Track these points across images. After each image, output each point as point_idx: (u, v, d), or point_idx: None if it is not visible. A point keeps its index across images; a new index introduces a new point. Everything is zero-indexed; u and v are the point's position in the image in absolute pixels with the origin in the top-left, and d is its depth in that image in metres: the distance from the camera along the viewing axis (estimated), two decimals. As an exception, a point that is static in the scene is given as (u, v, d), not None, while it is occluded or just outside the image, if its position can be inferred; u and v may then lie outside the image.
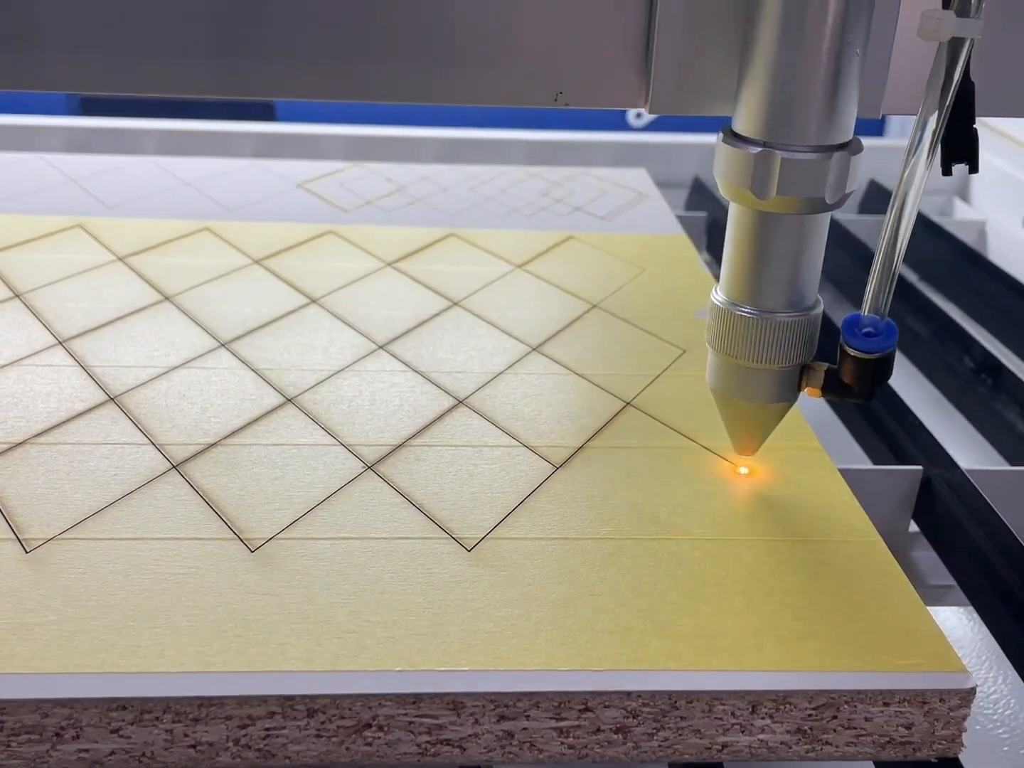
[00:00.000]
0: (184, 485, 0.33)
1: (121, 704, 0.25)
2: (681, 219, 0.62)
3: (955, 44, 0.27)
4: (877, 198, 0.79)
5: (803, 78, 0.27)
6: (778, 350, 0.31)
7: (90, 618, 0.27)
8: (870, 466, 0.45)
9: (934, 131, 0.27)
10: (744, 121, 0.29)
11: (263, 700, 0.25)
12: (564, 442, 0.37)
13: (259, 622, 0.27)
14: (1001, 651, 0.37)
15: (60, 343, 0.41)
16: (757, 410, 0.33)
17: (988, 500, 0.39)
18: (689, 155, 0.79)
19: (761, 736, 0.27)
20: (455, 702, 0.26)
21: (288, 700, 0.25)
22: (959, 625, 0.40)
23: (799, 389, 0.32)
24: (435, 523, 0.32)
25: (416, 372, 0.41)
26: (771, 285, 0.31)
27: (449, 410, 0.38)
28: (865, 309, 0.30)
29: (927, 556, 0.43)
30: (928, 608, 0.29)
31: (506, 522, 0.32)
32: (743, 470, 0.35)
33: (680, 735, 0.26)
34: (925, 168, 0.27)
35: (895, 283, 0.29)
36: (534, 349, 0.43)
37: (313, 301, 0.47)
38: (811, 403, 0.52)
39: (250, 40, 0.30)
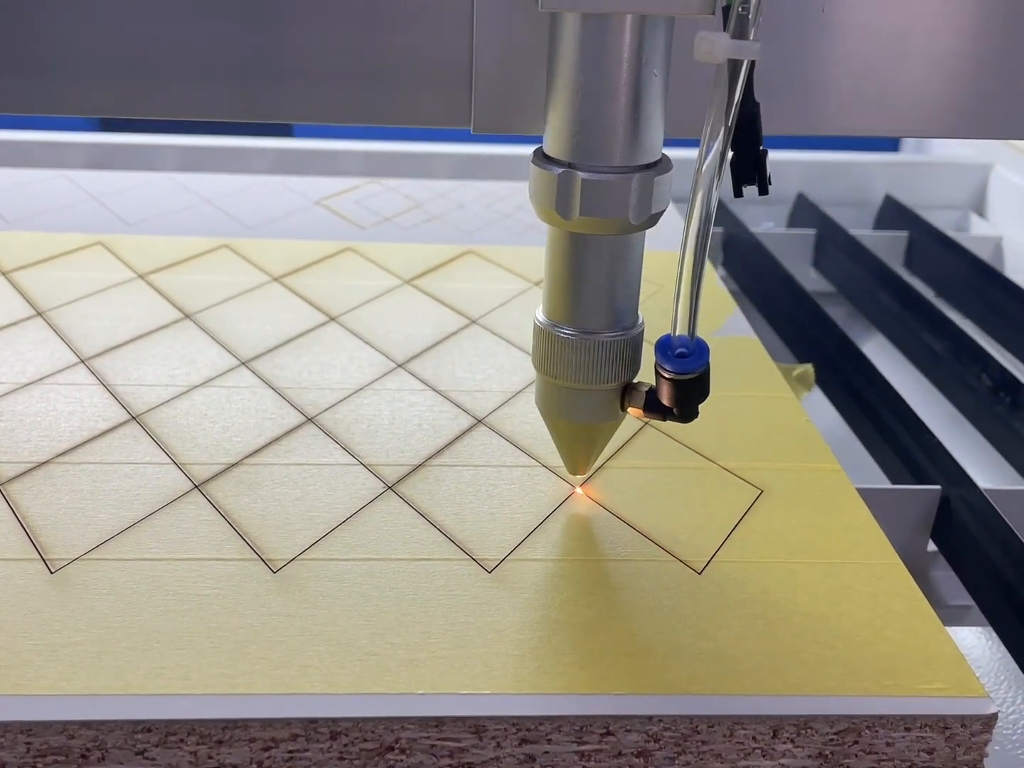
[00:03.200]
0: (206, 505, 0.33)
1: (146, 726, 0.25)
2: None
3: (734, 66, 0.26)
4: (892, 213, 0.79)
5: (601, 100, 0.27)
6: (599, 371, 0.31)
7: (115, 639, 0.27)
8: (888, 485, 0.45)
9: (719, 153, 0.27)
10: (550, 142, 0.28)
11: (287, 723, 0.25)
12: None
13: (282, 644, 0.28)
14: (1020, 671, 0.37)
15: (82, 361, 0.42)
16: (584, 430, 0.33)
17: (1007, 520, 0.39)
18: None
19: (783, 760, 0.27)
20: (477, 726, 0.26)
21: (311, 723, 0.26)
22: (977, 645, 0.40)
23: (623, 409, 0.32)
24: (456, 544, 0.32)
25: (435, 391, 0.41)
26: (588, 306, 0.30)
27: (468, 430, 0.39)
28: (675, 331, 0.29)
29: (945, 576, 0.43)
30: (946, 628, 0.30)
31: (526, 543, 0.32)
32: (578, 490, 0.35)
33: (701, 759, 0.26)
34: (711, 191, 0.27)
35: (700, 303, 0.29)
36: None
37: (332, 319, 0.47)
38: (828, 420, 0.52)
39: (270, 65, 0.30)
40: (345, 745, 0.26)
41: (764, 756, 0.27)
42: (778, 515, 0.34)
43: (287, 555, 0.31)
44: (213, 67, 0.30)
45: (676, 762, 0.26)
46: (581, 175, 0.27)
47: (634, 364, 0.32)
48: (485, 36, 0.29)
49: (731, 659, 0.28)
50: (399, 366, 0.43)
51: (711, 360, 0.30)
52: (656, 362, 0.30)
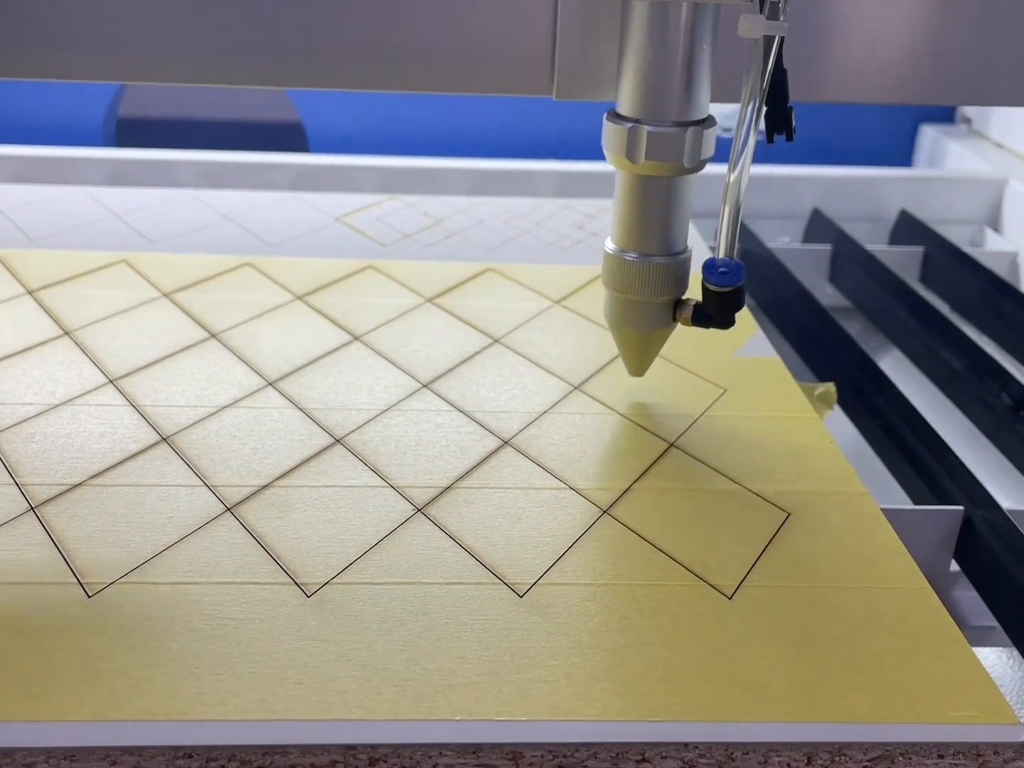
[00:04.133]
0: (239, 528, 0.34)
1: (187, 752, 0.26)
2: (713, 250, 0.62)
3: (768, 40, 0.34)
4: (908, 229, 0.79)
5: (663, 70, 0.35)
6: (655, 287, 0.39)
7: (153, 665, 0.28)
8: (911, 506, 0.45)
9: (756, 108, 0.35)
10: (621, 103, 0.37)
11: (325, 749, 0.26)
12: (610, 484, 0.37)
13: (319, 669, 0.28)
14: (1046, 693, 0.37)
15: (111, 382, 0.42)
16: (643, 337, 0.41)
17: (1031, 541, 0.39)
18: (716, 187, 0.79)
19: (816, 787, 0.27)
20: (515, 752, 0.26)
21: (350, 749, 0.26)
22: (999, 664, 0.40)
23: (674, 319, 0.40)
24: (487, 568, 0.32)
25: (460, 412, 0.42)
26: (648, 234, 0.39)
27: (495, 451, 0.39)
28: (719, 254, 0.38)
29: (969, 596, 0.43)
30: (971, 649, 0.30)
31: (556, 567, 0.33)
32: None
33: (736, 785, 0.27)
34: (749, 139, 0.35)
35: (738, 231, 0.38)
36: (576, 388, 0.44)
37: (356, 338, 0.47)
38: (848, 438, 0.52)
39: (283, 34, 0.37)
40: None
41: (798, 783, 0.27)
42: (806, 539, 0.35)
43: (320, 579, 0.31)
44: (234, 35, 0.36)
45: (711, 788, 0.27)
46: (647, 128, 0.36)
47: (683, 283, 0.40)
48: (567, 18, 0.38)
49: (764, 685, 0.28)
50: (424, 386, 0.43)
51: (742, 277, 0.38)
52: (703, 278, 0.38)
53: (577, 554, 0.33)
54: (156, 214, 0.62)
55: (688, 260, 0.40)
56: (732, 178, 0.36)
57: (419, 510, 0.35)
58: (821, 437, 0.41)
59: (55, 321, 0.47)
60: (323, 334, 0.48)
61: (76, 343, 0.45)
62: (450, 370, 0.45)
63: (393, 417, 0.41)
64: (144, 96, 0.91)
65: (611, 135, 0.37)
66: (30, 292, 0.50)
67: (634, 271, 0.39)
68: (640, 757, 0.26)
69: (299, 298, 0.51)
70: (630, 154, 0.36)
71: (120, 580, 0.31)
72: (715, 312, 0.39)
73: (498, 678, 0.28)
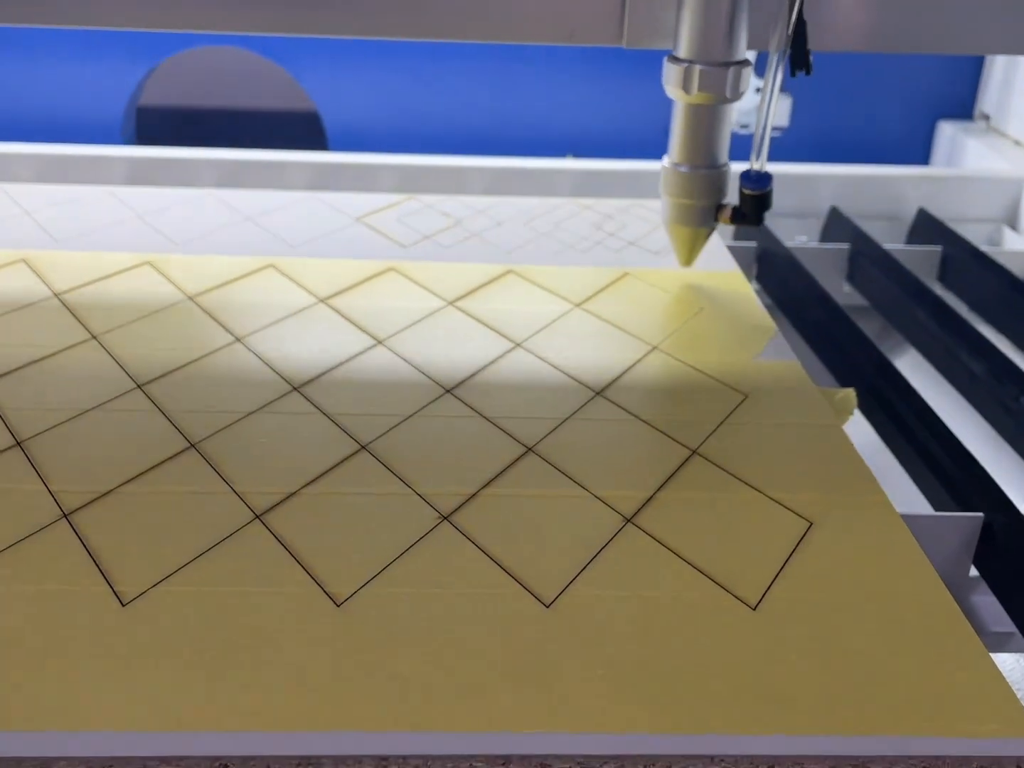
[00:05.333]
0: (268, 536, 0.34)
1: (224, 763, 0.26)
2: (730, 248, 0.63)
3: None
4: (925, 227, 0.79)
5: (712, 20, 0.47)
6: (702, 192, 0.52)
7: (188, 674, 0.28)
8: (931, 512, 0.45)
9: (782, 51, 0.48)
10: (679, 48, 0.48)
11: (358, 760, 0.26)
12: (634, 492, 0.37)
13: (350, 679, 0.28)
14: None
15: (139, 387, 0.43)
16: (691, 233, 0.54)
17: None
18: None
19: (841, 799, 0.27)
20: (543, 764, 0.26)
21: (383, 760, 0.26)
22: (1017, 668, 0.41)
23: (716, 219, 0.53)
24: (513, 578, 0.33)
25: (484, 418, 0.42)
26: (697, 150, 0.51)
27: (519, 458, 0.39)
28: (752, 165, 0.51)
29: (988, 601, 0.43)
30: (989, 655, 0.30)
31: (582, 577, 0.33)
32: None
33: (763, 796, 0.27)
34: (780, 73, 0.48)
35: (767, 147, 0.51)
36: (598, 394, 0.44)
37: (379, 342, 0.48)
38: (871, 446, 0.52)
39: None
40: (415, 781, 0.26)
41: (823, 794, 0.27)
42: (827, 549, 0.35)
43: (349, 588, 0.32)
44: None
45: (737, 800, 0.27)
46: (699, 67, 0.48)
47: (724, 189, 0.53)
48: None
49: (789, 698, 0.28)
50: (447, 391, 0.44)
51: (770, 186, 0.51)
52: (740, 184, 0.52)
53: (602, 563, 0.34)
54: (178, 214, 0.62)
55: (727, 171, 0.52)
56: (763, 107, 0.49)
57: (445, 518, 0.35)
58: (842, 445, 0.41)
59: (82, 324, 0.48)
60: (346, 337, 0.48)
61: (103, 346, 0.46)
62: (473, 375, 0.45)
63: (418, 422, 0.41)
64: (163, 87, 0.92)
65: (670, 73, 0.49)
66: (56, 295, 0.50)
67: (685, 179, 0.52)
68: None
69: (322, 300, 0.52)
70: (685, 87, 0.48)
71: (152, 589, 0.31)
72: (749, 212, 0.52)
73: (527, 689, 0.28)
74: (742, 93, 0.49)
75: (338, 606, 0.31)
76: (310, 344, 0.47)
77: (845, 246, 0.75)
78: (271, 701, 0.28)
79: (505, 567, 0.33)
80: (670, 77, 0.49)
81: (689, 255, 0.56)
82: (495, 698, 0.28)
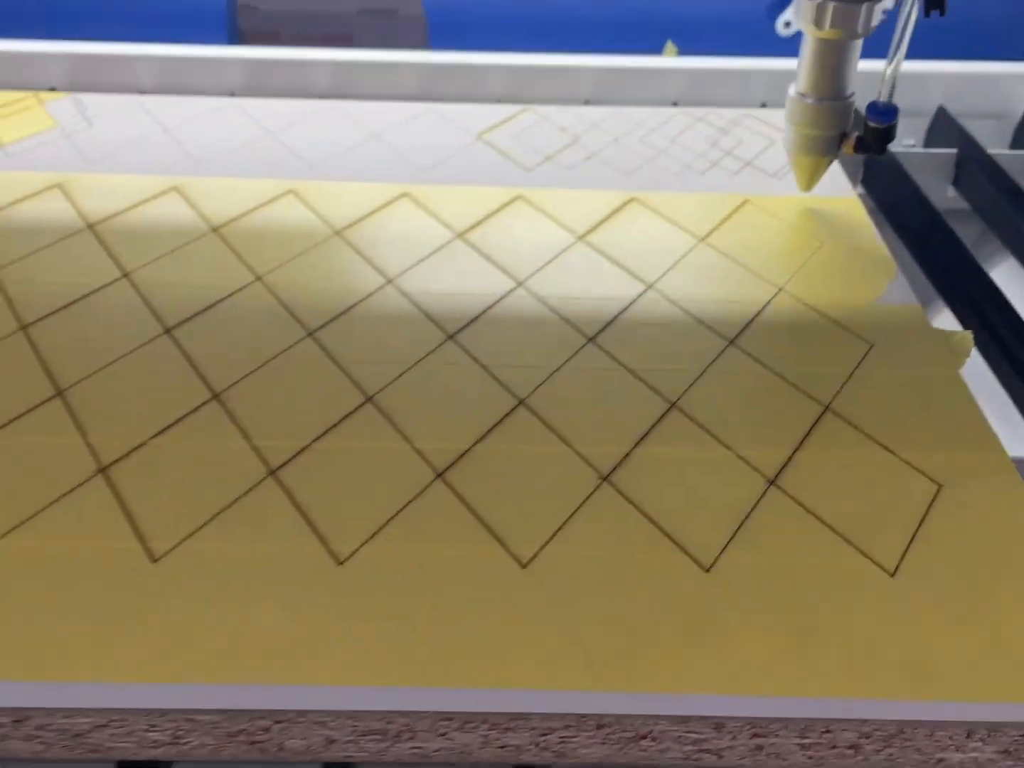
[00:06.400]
0: (447, 492, 0.38)
1: (448, 716, 0.31)
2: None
3: None
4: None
5: None
6: (827, 123, 0.54)
7: (420, 631, 0.33)
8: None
9: None
10: None
11: (562, 717, 0.31)
12: (773, 452, 0.40)
13: (538, 639, 0.33)
14: None
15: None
16: (814, 163, 0.56)
17: None
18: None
19: (972, 755, 0.31)
20: (718, 723, 0.31)
21: (582, 717, 0.31)
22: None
23: (839, 148, 0.55)
24: (668, 537, 0.37)
25: (627, 370, 0.45)
26: (826, 83, 0.53)
27: (665, 414, 0.43)
28: (881, 98, 0.53)
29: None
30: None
31: (734, 541, 0.37)
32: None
33: (903, 752, 0.31)
34: (914, 13, 0.50)
35: (896, 82, 0.53)
36: (731, 343, 0.47)
37: (519, 284, 0.50)
38: (981, 380, 0.55)
39: None
40: (608, 734, 0.31)
41: (957, 750, 0.31)
42: (955, 513, 0.38)
43: (531, 550, 0.36)
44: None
45: (881, 753, 0.31)
46: (831, 3, 0.50)
47: (849, 120, 0.55)
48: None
49: (931, 663, 0.32)
50: (590, 340, 0.47)
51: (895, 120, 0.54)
52: (866, 116, 0.54)
53: (751, 528, 0.37)
54: (307, 131, 0.64)
55: (853, 102, 0.54)
56: (895, 45, 0.52)
57: (604, 479, 0.39)
58: (964, 399, 0.44)
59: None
60: (489, 277, 0.51)
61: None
62: (612, 321, 0.48)
63: (566, 375, 0.44)
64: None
65: (803, 9, 0.51)
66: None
67: (812, 111, 0.54)
68: (824, 729, 0.31)
69: (460, 236, 0.54)
70: (817, 23, 0.51)
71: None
72: (872, 143, 0.54)
73: (701, 652, 0.33)
74: (873, 28, 0.51)
75: (523, 568, 0.35)
76: (456, 284, 0.50)
77: (952, 151, 0.75)
78: (486, 662, 0.32)
79: (663, 529, 0.37)
80: (802, 12, 0.51)
81: (809, 182, 0.58)
82: (680, 658, 0.32)
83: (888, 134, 0.54)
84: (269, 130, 0.64)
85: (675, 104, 0.77)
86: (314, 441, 0.40)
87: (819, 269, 0.53)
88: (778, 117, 0.69)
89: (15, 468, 0.38)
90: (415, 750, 0.31)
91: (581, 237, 0.55)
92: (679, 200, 0.58)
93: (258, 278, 0.50)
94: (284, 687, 0.31)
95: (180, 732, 0.31)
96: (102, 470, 0.38)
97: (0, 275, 0.49)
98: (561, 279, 0.51)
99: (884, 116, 0.54)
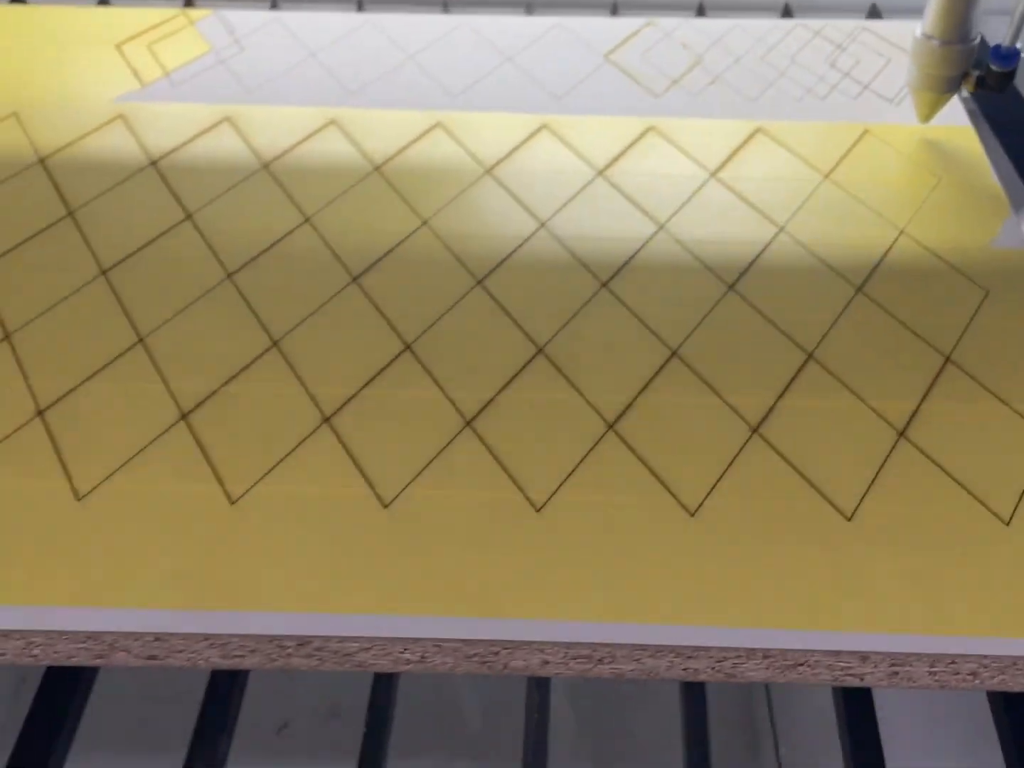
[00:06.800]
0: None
1: (642, 646, 0.38)
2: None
3: None
4: None
5: None
6: (951, 64, 0.58)
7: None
8: None
9: None
10: None
11: (735, 649, 0.38)
12: (897, 403, 0.46)
13: (710, 583, 0.40)
14: None
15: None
16: (934, 98, 0.60)
17: None
18: None
19: (1071, 682, 0.38)
20: (863, 656, 0.38)
21: (751, 651, 0.38)
22: None
23: (959, 86, 0.59)
24: (813, 486, 0.43)
25: (765, 318, 0.50)
26: (951, 27, 0.56)
27: (804, 364, 0.48)
28: (1005, 43, 0.56)
29: None
30: None
31: (874, 488, 0.43)
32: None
33: (1014, 678, 0.38)
34: None
35: (1021, 31, 0.56)
36: (859, 290, 0.52)
37: (661, 226, 0.55)
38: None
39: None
40: (772, 661, 0.38)
41: (1056, 678, 0.38)
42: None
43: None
44: None
45: (995, 679, 0.38)
46: None
47: (972, 61, 0.58)
48: None
49: (1037, 608, 0.39)
50: (731, 288, 0.52)
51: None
52: (989, 59, 0.57)
53: (884, 477, 0.43)
54: (441, 55, 0.67)
55: (976, 44, 0.57)
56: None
57: (754, 430, 0.45)
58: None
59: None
60: (633, 219, 0.55)
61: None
62: (750, 266, 0.53)
63: (713, 320, 0.50)
64: None
65: None
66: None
67: (937, 53, 0.57)
68: (951, 661, 0.38)
69: (601, 173, 0.58)
70: None
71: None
72: (993, 84, 0.58)
73: (851, 597, 0.39)
74: None
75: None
76: (602, 225, 0.55)
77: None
78: (645, 599, 0.39)
79: (808, 478, 0.43)
80: None
81: (929, 115, 0.61)
82: (832, 601, 0.39)
83: (1009, 78, 0.57)
84: (410, 54, 0.67)
85: (787, 5, 0.78)
86: (509, 388, 0.46)
87: (936, 208, 0.57)
88: (892, 31, 0.71)
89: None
90: (613, 669, 0.39)
91: (713, 173, 0.59)
92: (802, 130, 0.62)
93: (424, 222, 0.55)
94: (511, 620, 0.38)
95: (427, 654, 0.39)
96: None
97: (197, 219, 0.55)
98: (698, 220, 0.55)
99: (1007, 60, 0.57)
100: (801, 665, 0.39)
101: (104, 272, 0.51)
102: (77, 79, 0.64)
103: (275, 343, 0.48)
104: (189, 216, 0.54)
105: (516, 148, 0.60)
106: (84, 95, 0.62)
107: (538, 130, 0.61)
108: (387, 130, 0.61)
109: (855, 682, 0.39)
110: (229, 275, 0.51)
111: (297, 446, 0.44)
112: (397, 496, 0.42)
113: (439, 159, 0.59)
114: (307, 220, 0.55)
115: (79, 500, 0.41)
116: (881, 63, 0.68)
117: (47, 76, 0.64)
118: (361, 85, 0.65)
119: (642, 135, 0.61)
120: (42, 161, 0.58)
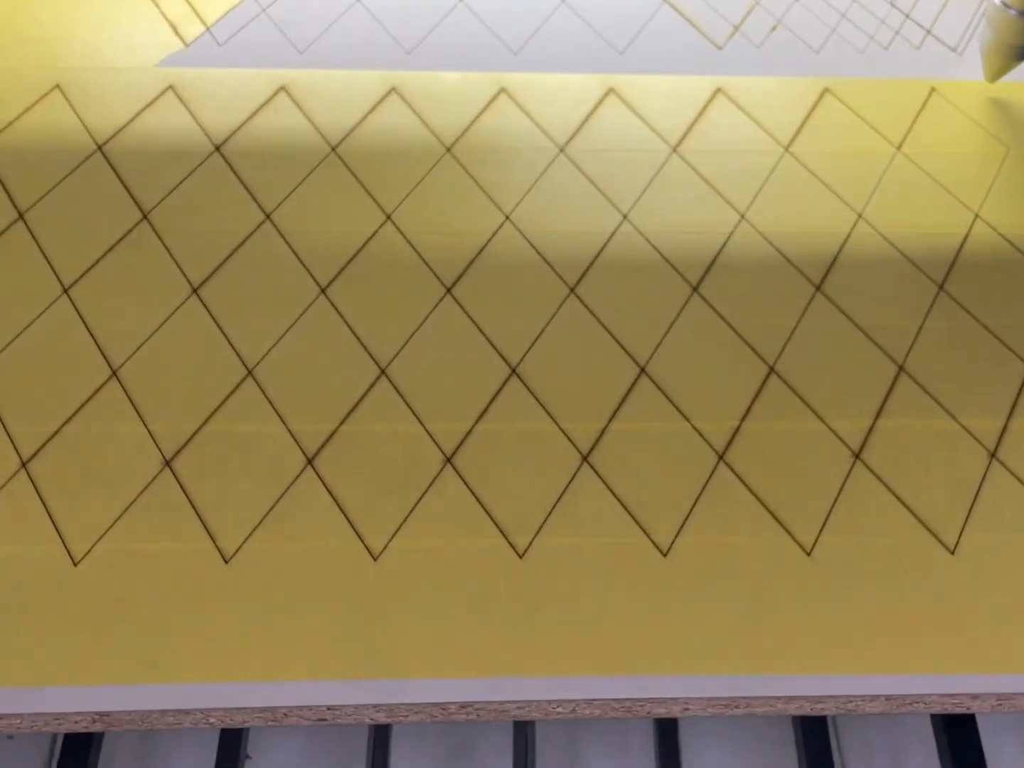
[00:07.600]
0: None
1: (776, 697, 0.41)
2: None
3: None
4: None
5: None
6: (1019, 32, 0.58)
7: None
8: None
9: None
10: None
11: (860, 696, 0.42)
12: (989, 422, 0.48)
13: (828, 630, 0.43)
14: None
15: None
16: (1005, 63, 0.59)
17: None
18: None
19: None
20: (974, 695, 0.42)
21: (872, 697, 0.42)
22: None
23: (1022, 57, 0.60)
24: (918, 519, 0.45)
25: (855, 325, 0.51)
26: None
27: (896, 377, 0.50)
28: None
29: None
30: None
31: (971, 519, 0.46)
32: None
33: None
34: None
35: None
36: (941, 288, 0.52)
37: (742, 216, 0.55)
38: None
39: None
40: (887, 699, 0.42)
41: None
42: None
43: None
44: None
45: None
46: None
47: None
48: None
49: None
50: (818, 287, 0.52)
51: None
52: None
53: (981, 503, 0.46)
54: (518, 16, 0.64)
55: None
56: None
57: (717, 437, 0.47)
58: None
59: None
60: (706, 196, 0.55)
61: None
62: (835, 258, 0.53)
63: (803, 329, 0.51)
64: None
65: None
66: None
67: (1015, 23, 0.57)
68: (996, 702, 0.42)
69: (674, 149, 0.57)
70: None
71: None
72: None
73: (953, 638, 0.43)
74: None
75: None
76: (677, 207, 0.54)
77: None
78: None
79: (912, 509, 0.46)
80: None
81: (997, 77, 0.60)
82: (937, 643, 0.42)
83: None
84: (374, 14, 0.63)
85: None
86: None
87: (1008, 184, 0.57)
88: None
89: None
90: (747, 712, 0.42)
91: (787, 147, 0.58)
92: (870, 90, 0.61)
93: (507, 218, 0.54)
94: (658, 678, 0.41)
95: (577, 707, 0.42)
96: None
97: (276, 217, 0.53)
98: (778, 205, 0.55)
99: None
100: (917, 703, 0.42)
101: (195, 290, 0.50)
102: (116, 41, 0.60)
103: (382, 371, 0.48)
104: (268, 217, 0.53)
105: (585, 120, 0.58)
106: (127, 60, 0.59)
107: (606, 95, 0.60)
108: (452, 98, 0.59)
109: (961, 710, 0.43)
110: (323, 290, 0.51)
111: (424, 494, 0.45)
112: (529, 545, 0.44)
113: (509, 134, 0.57)
114: (388, 218, 0.53)
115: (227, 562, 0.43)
116: (939, 3, 0.66)
117: (85, 40, 0.60)
118: (415, 43, 0.62)
119: (711, 98, 0.60)
120: (100, 148, 0.55)
